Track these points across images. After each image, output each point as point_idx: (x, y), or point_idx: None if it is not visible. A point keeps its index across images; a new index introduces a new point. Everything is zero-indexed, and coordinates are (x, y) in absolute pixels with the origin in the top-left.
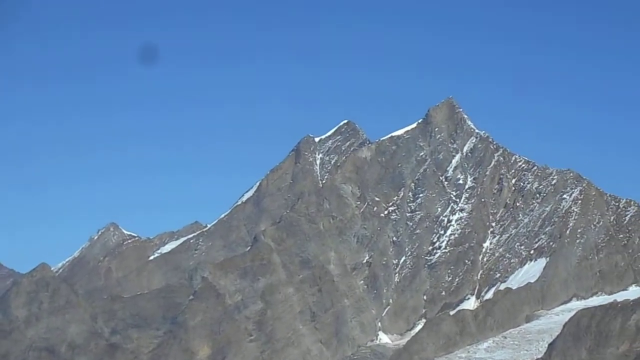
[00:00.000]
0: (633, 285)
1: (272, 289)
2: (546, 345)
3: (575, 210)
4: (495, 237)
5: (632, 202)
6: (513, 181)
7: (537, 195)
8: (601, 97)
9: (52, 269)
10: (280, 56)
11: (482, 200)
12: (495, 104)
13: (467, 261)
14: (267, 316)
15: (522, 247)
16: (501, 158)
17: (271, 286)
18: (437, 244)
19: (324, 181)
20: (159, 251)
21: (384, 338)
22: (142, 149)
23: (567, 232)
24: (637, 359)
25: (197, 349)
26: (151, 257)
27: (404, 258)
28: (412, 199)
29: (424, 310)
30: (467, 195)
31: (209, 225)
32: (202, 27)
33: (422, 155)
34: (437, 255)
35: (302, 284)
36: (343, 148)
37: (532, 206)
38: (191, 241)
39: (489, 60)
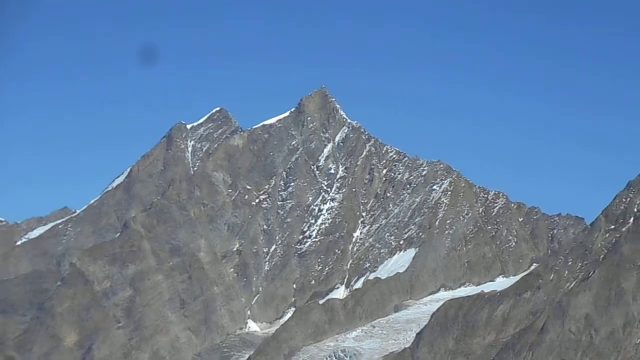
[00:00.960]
0: (500, 276)
1: (142, 276)
2: (414, 335)
3: (445, 201)
4: (365, 227)
5: (500, 194)
6: (384, 171)
7: (408, 186)
8: (478, 83)
9: None
10: (157, 44)
11: (353, 190)
12: (368, 94)
13: (337, 250)
14: (136, 303)
15: (392, 238)
16: (372, 148)
17: (140, 273)
18: (307, 233)
19: (195, 168)
20: (26, 236)
21: (253, 326)
22: (11, 130)
23: (437, 223)
24: (503, 350)
25: (64, 335)
26: (18, 242)
27: (274, 246)
28: (283, 188)
29: (293, 299)
30: (338, 184)
31: (78, 211)
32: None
33: (294, 144)
34: (307, 244)
35: (172, 271)
36: (215, 135)
37: (402, 197)
38: (60, 227)
39: (361, 49)
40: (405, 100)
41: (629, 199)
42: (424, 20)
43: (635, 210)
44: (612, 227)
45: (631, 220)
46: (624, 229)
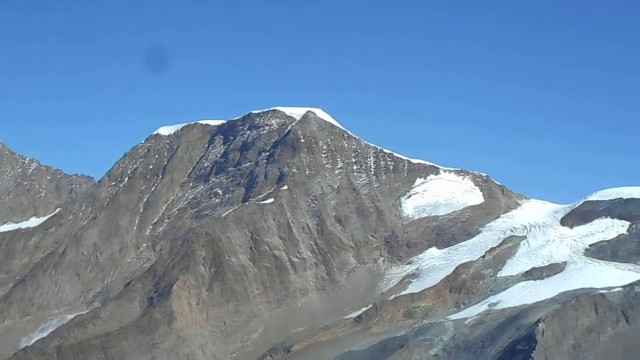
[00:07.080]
0: (33, 217)
1: None
2: None
3: None
4: None
5: (34, 160)
6: None
7: None
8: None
9: None
10: None
11: None
12: None
13: None
14: None
15: None
16: None
17: None
18: None
19: None
20: None
21: None
22: None
23: None
24: (35, 268)
25: None
26: None
27: None
28: None
29: None
30: None
31: None
32: None
33: None
34: None
35: None
36: None
37: None
38: None
39: None
40: None
41: (125, 164)
42: None
43: (129, 172)
44: (113, 183)
45: (126, 179)
46: (121, 185)
